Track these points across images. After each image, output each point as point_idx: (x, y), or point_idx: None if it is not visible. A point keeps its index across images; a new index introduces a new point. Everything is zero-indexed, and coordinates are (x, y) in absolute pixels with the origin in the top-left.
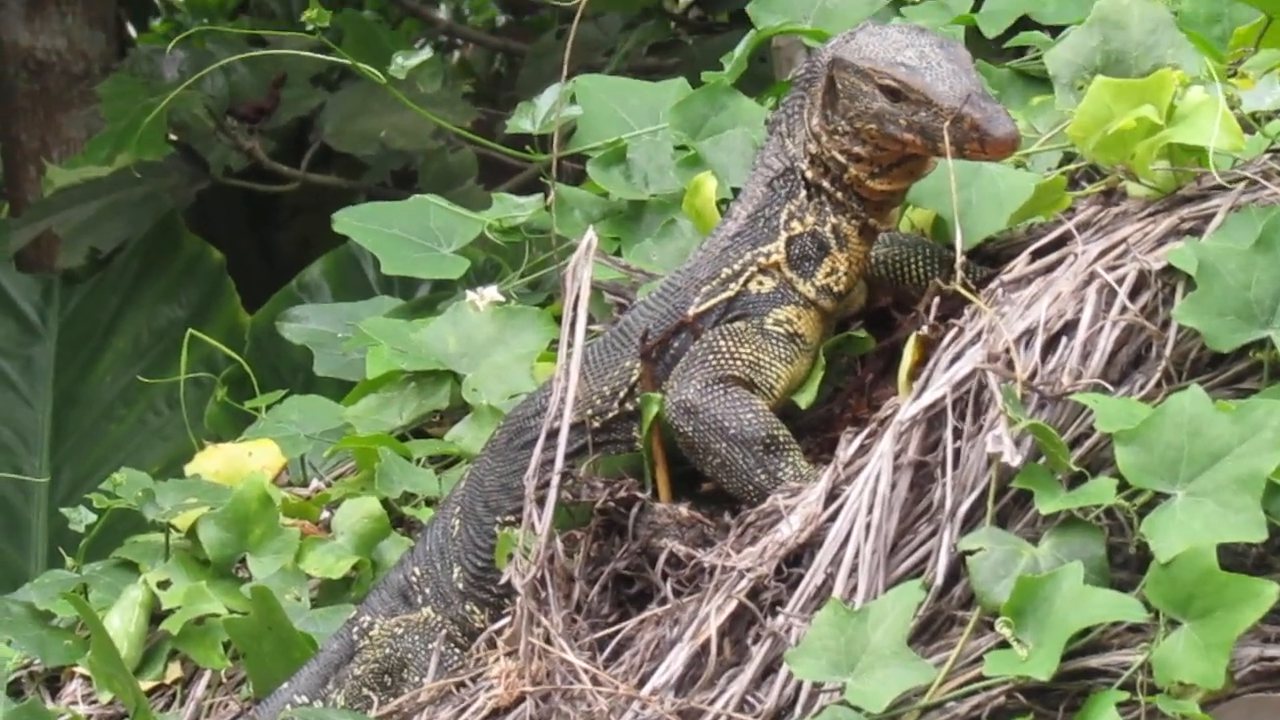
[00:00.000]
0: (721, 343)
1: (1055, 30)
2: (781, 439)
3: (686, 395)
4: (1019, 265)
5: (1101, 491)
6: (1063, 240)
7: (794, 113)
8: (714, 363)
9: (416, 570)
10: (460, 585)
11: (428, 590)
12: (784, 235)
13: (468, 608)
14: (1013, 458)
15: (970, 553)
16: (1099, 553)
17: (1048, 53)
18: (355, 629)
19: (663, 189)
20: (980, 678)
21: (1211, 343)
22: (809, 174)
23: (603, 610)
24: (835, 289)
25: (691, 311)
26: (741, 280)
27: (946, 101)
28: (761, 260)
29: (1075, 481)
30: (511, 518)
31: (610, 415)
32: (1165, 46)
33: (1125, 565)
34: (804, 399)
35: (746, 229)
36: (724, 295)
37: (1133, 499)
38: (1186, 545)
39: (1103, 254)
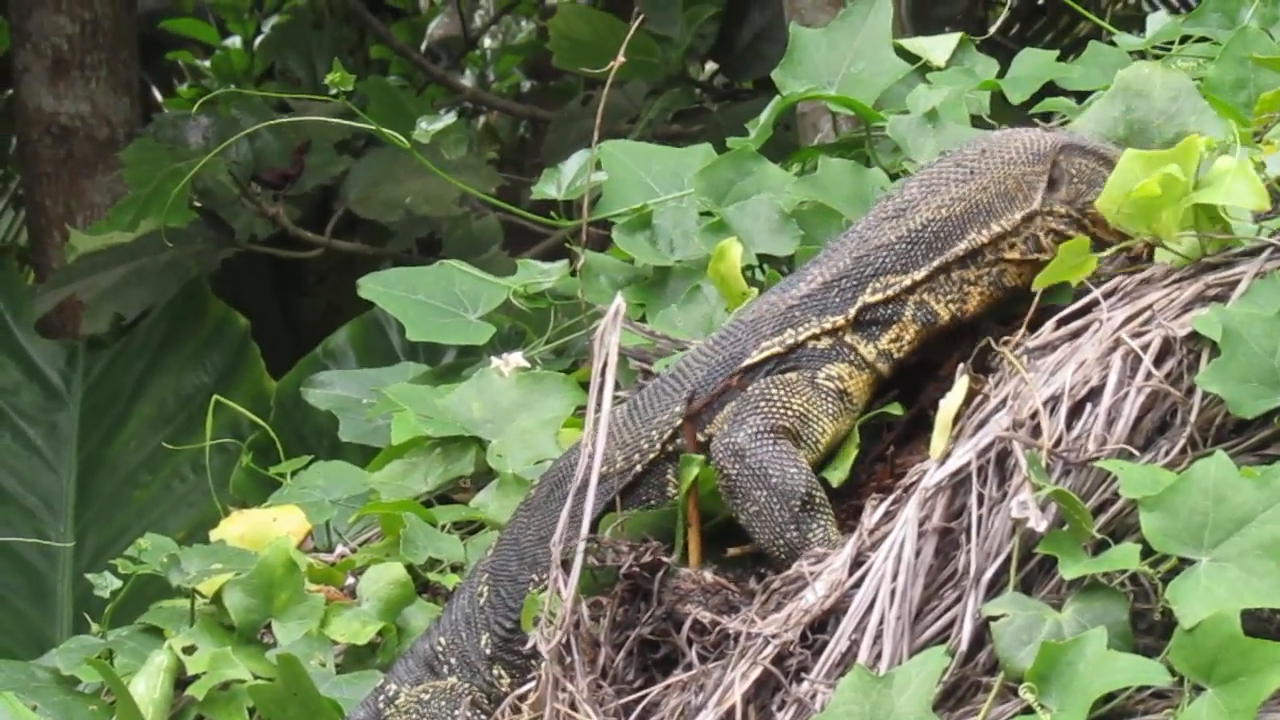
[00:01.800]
0: (774, 391)
1: (1080, 96)
2: (818, 500)
3: (737, 439)
4: (1045, 331)
5: (1126, 557)
6: (1088, 307)
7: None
8: (766, 410)
9: (442, 640)
10: (488, 651)
11: (453, 660)
12: (858, 306)
13: (495, 672)
14: (1038, 523)
15: (994, 618)
16: (1122, 618)
17: (1072, 124)
18: (381, 698)
19: (688, 255)
20: None
21: (1235, 409)
22: (960, 250)
23: (628, 676)
24: (896, 355)
25: (747, 363)
26: (801, 338)
27: None
28: (827, 326)
29: (1100, 548)
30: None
31: (653, 457)
32: (1188, 114)
33: (1150, 631)
34: (836, 476)
35: (819, 294)
36: (777, 351)
37: (1157, 565)
38: (1210, 611)
39: (1128, 320)
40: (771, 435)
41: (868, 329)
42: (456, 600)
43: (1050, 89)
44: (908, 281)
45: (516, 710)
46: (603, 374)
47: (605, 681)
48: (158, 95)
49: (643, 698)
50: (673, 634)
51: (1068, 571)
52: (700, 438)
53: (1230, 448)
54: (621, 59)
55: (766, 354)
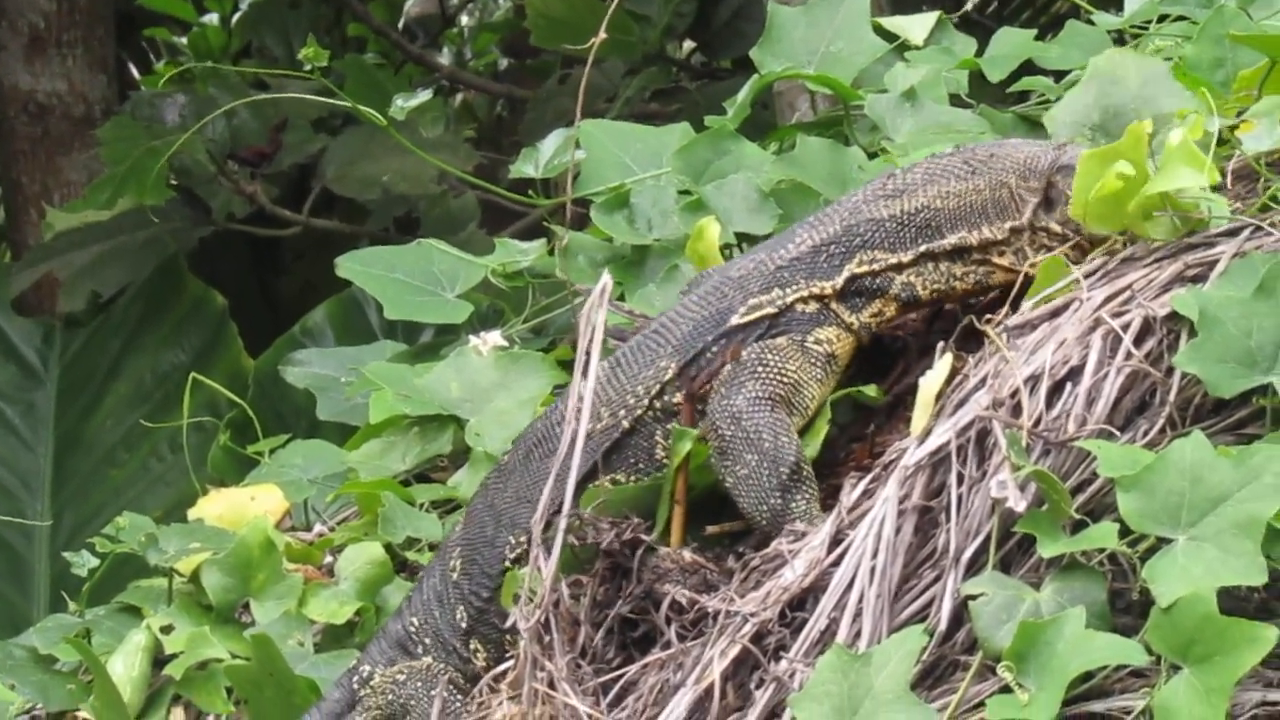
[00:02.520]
0: (769, 357)
1: (1059, 75)
2: (806, 473)
3: (735, 402)
4: (1025, 310)
5: (1103, 536)
6: (1069, 285)
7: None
8: (764, 376)
9: (415, 620)
10: (464, 625)
11: (427, 640)
12: (846, 274)
13: (471, 647)
14: (1017, 503)
15: (972, 597)
16: (1100, 597)
17: (1046, 114)
18: (356, 678)
19: (666, 234)
20: None
21: (1213, 389)
22: (947, 244)
23: (607, 654)
24: (874, 329)
25: (734, 322)
26: (789, 301)
27: None
28: (814, 290)
29: (1078, 527)
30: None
31: (639, 413)
32: (1162, 98)
33: (1128, 610)
34: (808, 452)
35: (807, 257)
36: (769, 311)
37: (1135, 544)
38: (1187, 590)
39: (1108, 300)
40: (769, 403)
41: (852, 299)
42: (427, 579)
43: (1028, 68)
44: (894, 260)
45: (494, 689)
46: (588, 351)
47: (584, 661)
48: (135, 73)
49: (621, 676)
50: (652, 613)
51: (1046, 550)
52: (677, 400)
53: (1208, 428)
54: (603, 35)
55: (755, 314)
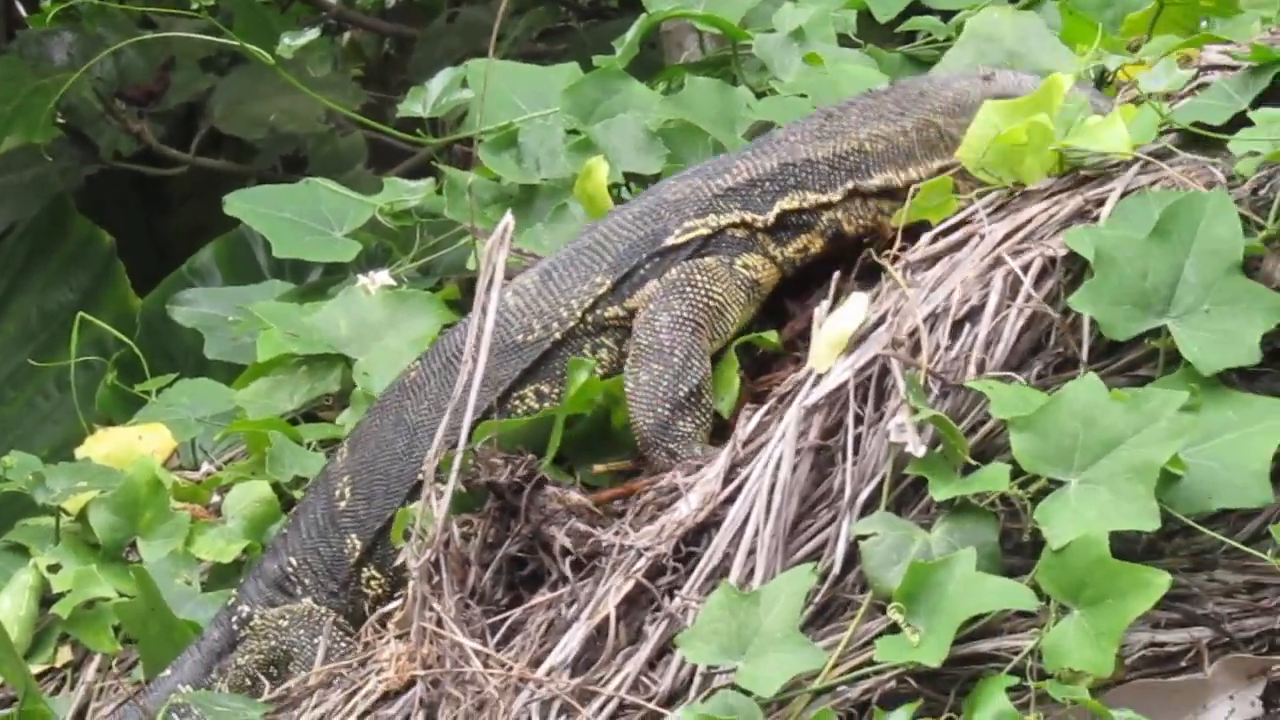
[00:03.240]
0: (698, 277)
1: (946, 15)
2: (704, 402)
3: (660, 319)
4: (924, 243)
5: (996, 479)
6: (968, 219)
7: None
8: (690, 296)
9: (293, 560)
10: (356, 554)
11: (306, 580)
12: (777, 210)
13: (364, 575)
14: (917, 448)
15: (864, 537)
16: (991, 539)
17: (930, 71)
18: (235, 618)
19: (554, 173)
20: (871, 662)
21: (1108, 331)
22: (874, 185)
23: (496, 595)
24: (798, 263)
25: (669, 243)
26: (722, 225)
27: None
28: (747, 220)
29: (970, 469)
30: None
31: (572, 325)
32: (1040, 53)
33: (1018, 551)
34: (724, 407)
35: (743, 189)
36: (701, 233)
37: (1027, 486)
38: (1080, 533)
39: (1008, 236)
40: (691, 324)
41: (780, 233)
42: (304, 515)
43: (916, 8)
44: (824, 200)
45: (380, 631)
46: (488, 290)
47: (473, 601)
48: (22, 11)
49: (508, 617)
50: (540, 552)
51: (938, 494)
52: (620, 311)
53: (1102, 369)
54: None
55: (690, 235)
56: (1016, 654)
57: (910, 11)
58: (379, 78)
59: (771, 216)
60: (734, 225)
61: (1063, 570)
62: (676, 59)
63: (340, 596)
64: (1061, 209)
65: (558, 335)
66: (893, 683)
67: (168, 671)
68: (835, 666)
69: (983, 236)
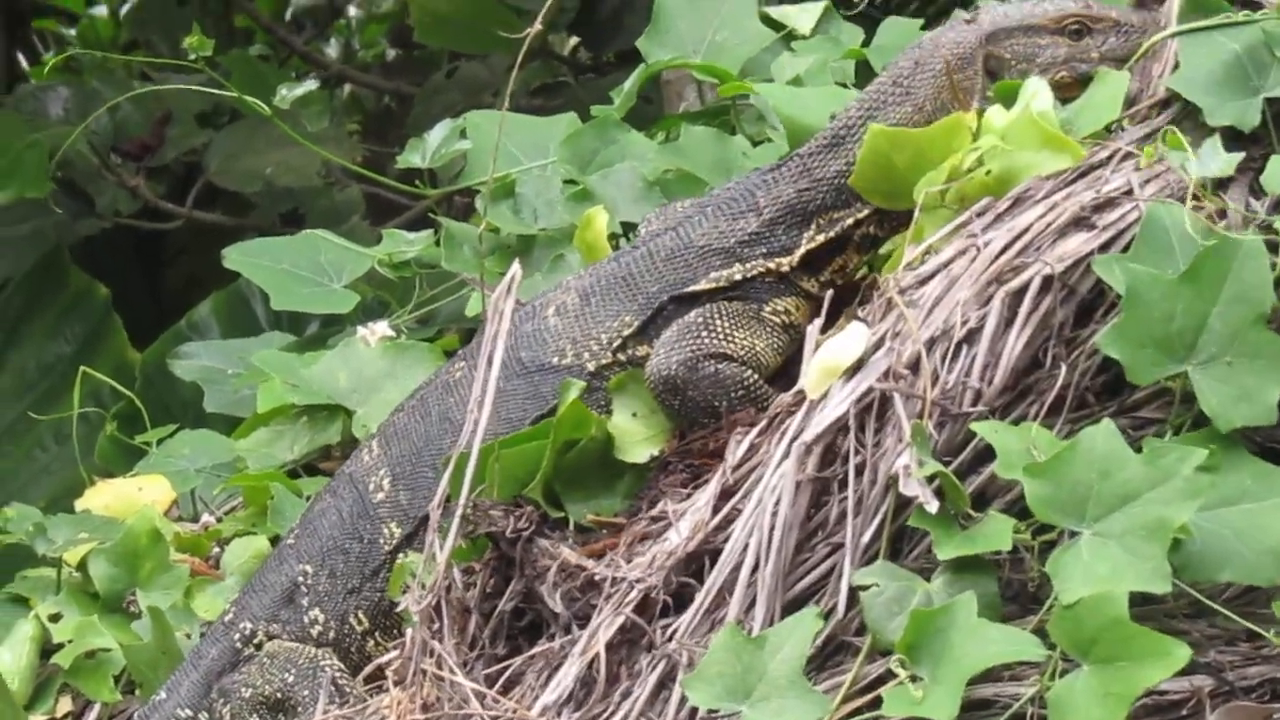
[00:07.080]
0: (718, 321)
1: None
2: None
3: (672, 369)
4: (912, 257)
5: (999, 535)
6: (960, 226)
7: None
8: (707, 340)
9: (308, 568)
10: (393, 542)
11: (323, 585)
12: (804, 249)
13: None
14: (930, 504)
15: (864, 588)
16: (992, 589)
17: None
18: (237, 636)
19: (551, 223)
20: (877, 703)
21: (1132, 375)
22: None
23: (497, 646)
24: (837, 282)
25: (692, 289)
26: (748, 273)
27: (1135, 15)
28: (773, 266)
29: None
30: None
31: (604, 362)
32: None
33: (1014, 599)
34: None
35: (765, 233)
36: (729, 278)
37: (1036, 533)
38: (1092, 589)
39: (1004, 249)
40: (711, 361)
41: (812, 265)
42: (323, 520)
43: None
44: (850, 221)
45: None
46: (494, 340)
47: (472, 650)
48: (25, 65)
49: (508, 666)
50: (539, 602)
51: (943, 551)
52: (649, 350)
53: (1105, 412)
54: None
55: (714, 285)
56: (1017, 699)
57: None
58: (377, 132)
59: (798, 256)
60: (761, 275)
61: (1074, 624)
62: (677, 109)
63: (362, 591)
64: (1059, 216)
65: (590, 367)
66: None
67: (162, 695)
68: (838, 713)
69: (979, 249)
